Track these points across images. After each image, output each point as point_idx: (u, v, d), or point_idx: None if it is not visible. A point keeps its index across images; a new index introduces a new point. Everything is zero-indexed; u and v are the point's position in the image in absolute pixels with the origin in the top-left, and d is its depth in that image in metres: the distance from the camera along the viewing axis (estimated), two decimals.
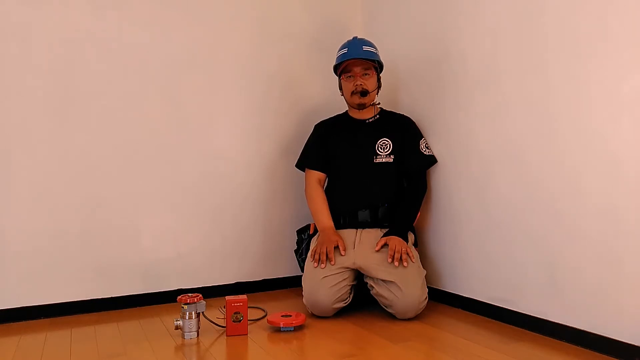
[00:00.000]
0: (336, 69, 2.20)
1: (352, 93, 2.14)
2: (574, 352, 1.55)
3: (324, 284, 1.91)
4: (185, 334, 1.73)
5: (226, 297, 1.80)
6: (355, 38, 2.19)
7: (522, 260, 1.78)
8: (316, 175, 2.23)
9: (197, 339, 1.74)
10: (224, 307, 1.79)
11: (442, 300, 2.13)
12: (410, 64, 2.32)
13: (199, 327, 1.75)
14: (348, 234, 2.07)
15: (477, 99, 1.95)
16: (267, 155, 2.44)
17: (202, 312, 1.76)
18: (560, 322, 1.65)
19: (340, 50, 2.17)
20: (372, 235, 2.04)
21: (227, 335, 1.76)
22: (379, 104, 2.24)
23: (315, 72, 2.53)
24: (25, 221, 2.01)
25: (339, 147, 2.21)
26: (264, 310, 2.04)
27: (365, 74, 2.13)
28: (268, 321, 1.82)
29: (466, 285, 2.03)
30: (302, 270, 2.08)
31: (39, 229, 2.03)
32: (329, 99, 2.49)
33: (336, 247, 1.99)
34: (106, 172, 2.13)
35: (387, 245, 1.95)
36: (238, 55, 2.38)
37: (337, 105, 2.36)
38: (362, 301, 2.04)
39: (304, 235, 2.24)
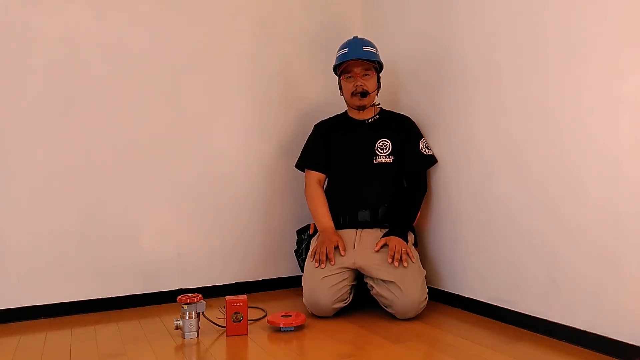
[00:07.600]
0: (336, 69, 2.20)
1: (352, 94, 2.14)
2: (573, 352, 1.55)
3: (324, 284, 1.91)
4: (185, 334, 1.73)
5: (226, 297, 1.80)
6: (355, 38, 2.19)
7: (522, 260, 1.78)
8: (316, 176, 2.23)
9: (197, 339, 1.74)
10: (224, 307, 1.79)
11: (442, 300, 2.13)
12: (410, 64, 2.32)
13: (199, 327, 1.75)
14: (348, 234, 2.07)
15: (477, 99, 1.95)
16: (267, 155, 2.44)
17: (202, 312, 1.76)
18: (559, 322, 1.65)
19: (340, 50, 2.17)
20: (372, 236, 2.04)
21: (227, 335, 1.76)
22: (378, 104, 2.24)
23: (315, 72, 2.53)
24: (25, 221, 2.01)
25: (338, 147, 2.20)
26: (264, 310, 2.04)
27: (366, 75, 2.12)
28: (268, 321, 1.82)
29: (466, 285, 2.03)
30: (302, 270, 2.08)
31: (39, 229, 2.03)
32: (329, 99, 2.49)
33: (336, 247, 1.98)
34: (106, 172, 2.13)
35: (387, 245, 1.95)
36: (238, 55, 2.38)
37: (337, 105, 2.36)
38: (362, 301, 2.04)
39: (304, 236, 2.23)
